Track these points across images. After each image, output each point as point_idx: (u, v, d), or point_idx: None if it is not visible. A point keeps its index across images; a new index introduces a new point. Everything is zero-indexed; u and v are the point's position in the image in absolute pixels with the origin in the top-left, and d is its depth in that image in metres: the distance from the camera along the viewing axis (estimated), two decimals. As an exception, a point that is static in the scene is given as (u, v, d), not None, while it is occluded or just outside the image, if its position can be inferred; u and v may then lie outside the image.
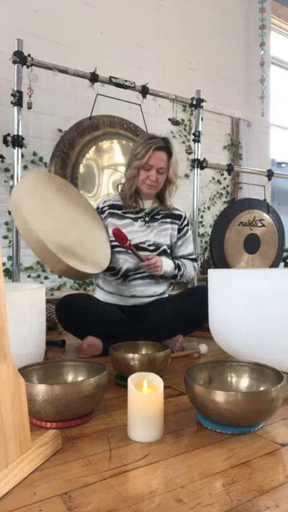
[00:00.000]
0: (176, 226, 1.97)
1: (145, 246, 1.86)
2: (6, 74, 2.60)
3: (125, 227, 1.86)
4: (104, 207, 1.93)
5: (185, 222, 2.01)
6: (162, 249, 1.89)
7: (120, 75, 2.46)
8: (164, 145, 1.85)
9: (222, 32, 4.19)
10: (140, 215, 1.91)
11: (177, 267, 1.88)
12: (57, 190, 1.79)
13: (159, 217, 1.94)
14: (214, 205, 4.10)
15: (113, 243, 1.84)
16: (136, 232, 1.87)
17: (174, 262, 1.88)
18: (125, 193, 1.90)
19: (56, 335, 2.15)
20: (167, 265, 1.83)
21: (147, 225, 1.90)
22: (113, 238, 1.81)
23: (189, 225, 2.06)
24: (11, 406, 0.78)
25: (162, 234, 1.92)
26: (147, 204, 1.95)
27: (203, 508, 0.68)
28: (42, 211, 1.63)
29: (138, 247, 1.83)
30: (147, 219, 1.91)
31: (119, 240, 1.74)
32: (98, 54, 3.21)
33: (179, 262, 1.90)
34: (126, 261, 1.83)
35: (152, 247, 1.87)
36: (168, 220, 1.96)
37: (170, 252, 1.95)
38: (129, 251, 1.78)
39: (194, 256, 2.02)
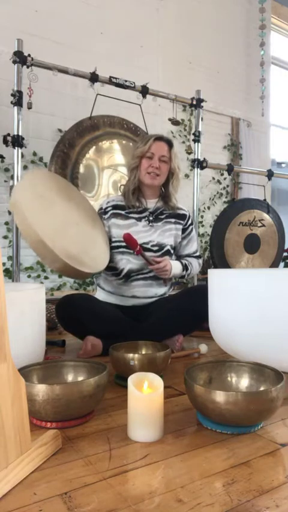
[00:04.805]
0: (181, 227, 1.97)
1: (149, 246, 1.86)
2: (6, 74, 2.60)
3: (129, 227, 1.86)
4: (107, 207, 1.92)
5: (189, 222, 2.01)
6: (165, 249, 1.89)
7: (120, 75, 2.46)
8: (164, 137, 1.90)
9: (222, 32, 4.19)
10: (143, 215, 1.91)
11: (185, 267, 1.89)
12: (58, 190, 1.79)
13: (163, 217, 1.94)
14: (214, 205, 4.10)
15: (116, 244, 1.84)
16: (140, 232, 1.86)
17: (182, 263, 1.88)
18: (128, 187, 1.90)
19: (56, 335, 2.15)
20: (176, 268, 1.84)
21: (150, 224, 1.90)
22: (117, 239, 1.81)
23: (193, 224, 2.06)
24: (11, 406, 0.77)
25: (166, 234, 1.92)
26: (151, 204, 1.95)
27: (203, 508, 0.68)
28: (42, 209, 1.63)
29: (142, 247, 1.83)
30: (151, 218, 1.91)
31: (130, 245, 1.73)
32: (98, 54, 3.20)
33: (186, 262, 1.91)
34: (129, 262, 1.83)
35: (155, 248, 1.87)
36: (172, 220, 1.95)
37: (173, 252, 1.96)
38: (139, 255, 1.77)
39: (198, 254, 2.03)
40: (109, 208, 1.91)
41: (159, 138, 1.86)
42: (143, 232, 1.87)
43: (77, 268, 1.57)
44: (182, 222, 1.97)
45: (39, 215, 1.58)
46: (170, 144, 1.88)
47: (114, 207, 1.91)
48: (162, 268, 1.77)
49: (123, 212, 1.90)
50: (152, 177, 1.85)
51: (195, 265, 1.97)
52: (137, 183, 1.89)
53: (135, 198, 1.91)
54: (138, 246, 1.73)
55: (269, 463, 0.83)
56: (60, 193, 1.79)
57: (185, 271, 1.88)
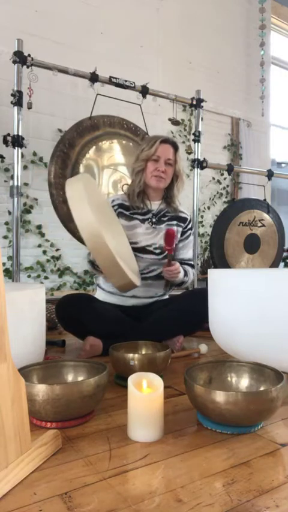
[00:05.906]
0: (181, 229, 1.96)
1: (151, 249, 1.85)
2: (6, 74, 2.60)
3: (133, 228, 1.85)
4: (113, 206, 1.90)
5: (189, 226, 2.00)
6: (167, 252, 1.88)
7: (120, 75, 2.46)
8: (170, 140, 1.89)
9: (222, 32, 4.20)
10: (147, 216, 1.90)
11: (185, 274, 1.88)
12: (95, 195, 1.72)
13: (165, 219, 1.93)
14: (214, 205, 4.10)
15: None
16: (143, 234, 1.85)
17: (183, 269, 1.88)
18: (134, 189, 1.89)
19: (56, 335, 2.15)
20: (181, 273, 1.83)
21: (153, 226, 1.89)
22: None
23: (192, 230, 2.05)
24: (11, 406, 0.78)
25: None
26: (155, 205, 1.94)
27: (203, 508, 0.68)
28: (103, 222, 1.54)
29: (144, 249, 1.83)
30: (154, 220, 1.90)
31: (168, 241, 1.69)
32: (98, 54, 3.21)
33: (186, 270, 1.90)
34: None
35: (157, 251, 1.86)
36: (174, 222, 1.95)
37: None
38: (167, 254, 1.75)
39: (192, 263, 2.00)
40: (115, 207, 1.90)
41: (164, 141, 1.85)
42: (146, 235, 1.86)
43: (135, 283, 1.56)
44: (182, 224, 1.97)
45: (105, 230, 1.48)
46: (175, 147, 1.88)
47: (120, 205, 1.90)
48: (174, 270, 1.76)
49: (127, 213, 1.89)
50: (158, 180, 1.84)
51: (191, 274, 1.94)
52: (143, 186, 1.89)
53: (140, 200, 1.90)
54: (173, 245, 1.70)
55: (269, 463, 0.83)
56: (98, 198, 1.73)
57: (185, 278, 1.88)
